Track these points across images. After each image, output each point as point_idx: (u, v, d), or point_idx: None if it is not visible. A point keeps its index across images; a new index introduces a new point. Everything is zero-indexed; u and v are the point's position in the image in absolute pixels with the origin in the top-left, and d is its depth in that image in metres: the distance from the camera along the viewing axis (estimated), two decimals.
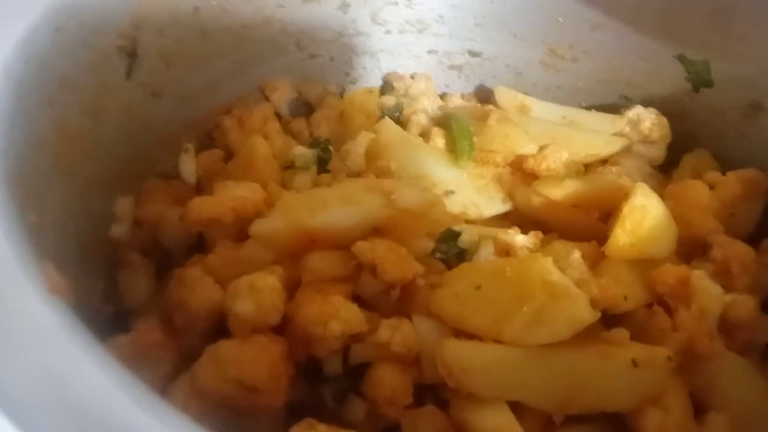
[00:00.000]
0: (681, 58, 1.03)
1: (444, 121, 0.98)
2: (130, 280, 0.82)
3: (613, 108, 1.09)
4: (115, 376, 0.41)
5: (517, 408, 0.69)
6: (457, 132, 0.94)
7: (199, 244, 0.84)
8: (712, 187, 0.92)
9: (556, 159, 0.92)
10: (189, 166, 0.93)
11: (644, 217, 0.79)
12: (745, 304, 0.79)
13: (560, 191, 0.88)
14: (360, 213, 0.76)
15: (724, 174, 0.95)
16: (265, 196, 0.81)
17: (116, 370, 0.42)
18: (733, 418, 0.75)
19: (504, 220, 0.92)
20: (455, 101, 1.14)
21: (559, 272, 0.72)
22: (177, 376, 0.72)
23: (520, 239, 0.79)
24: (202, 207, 0.77)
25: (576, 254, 0.76)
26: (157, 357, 0.73)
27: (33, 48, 0.62)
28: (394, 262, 0.73)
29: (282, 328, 0.73)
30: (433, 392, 0.72)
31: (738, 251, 0.83)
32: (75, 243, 0.71)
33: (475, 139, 0.94)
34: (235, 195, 0.78)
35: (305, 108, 1.10)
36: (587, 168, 1.00)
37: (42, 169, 0.61)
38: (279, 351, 0.69)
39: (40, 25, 0.63)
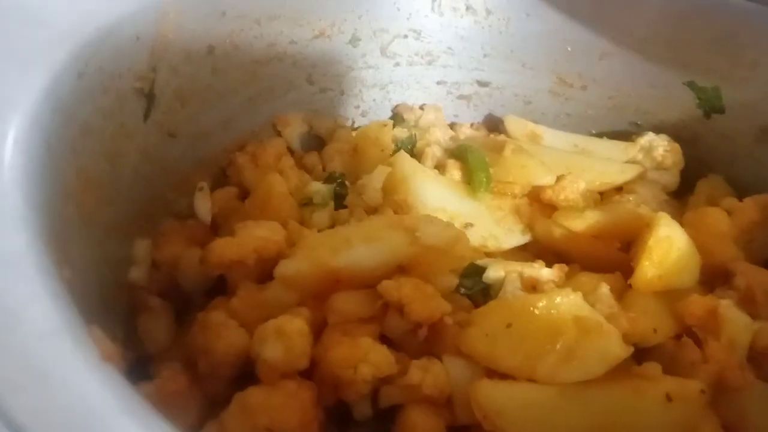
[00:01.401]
0: (691, 85, 1.03)
1: (459, 153, 0.98)
2: (150, 324, 0.80)
3: (624, 135, 1.09)
4: None
5: None
6: (473, 164, 0.93)
7: (218, 286, 0.82)
8: (729, 213, 0.92)
9: (574, 189, 0.92)
10: (204, 204, 0.92)
11: (670, 248, 0.79)
12: None
13: (581, 222, 0.87)
14: (384, 251, 0.75)
15: (739, 200, 0.95)
16: (286, 236, 0.80)
17: None
18: None
19: (523, 251, 0.92)
20: (465, 131, 1.14)
21: (590, 307, 0.72)
22: (203, 424, 0.70)
23: (545, 273, 0.79)
24: (224, 249, 0.76)
25: (604, 288, 0.75)
26: (183, 405, 0.71)
27: (58, 96, 0.61)
28: (422, 301, 0.72)
29: (309, 371, 0.71)
30: None
31: (761, 279, 0.83)
32: (97, 291, 0.69)
33: (491, 170, 0.93)
34: (256, 236, 0.77)
35: (316, 142, 1.09)
36: (603, 196, 1.00)
37: (67, 220, 0.60)
38: (309, 397, 0.68)
39: (63, 72, 0.62)
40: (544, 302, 0.70)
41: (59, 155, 0.59)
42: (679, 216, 0.91)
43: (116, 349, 0.44)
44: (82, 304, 0.50)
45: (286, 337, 0.68)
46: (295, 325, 0.69)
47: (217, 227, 0.93)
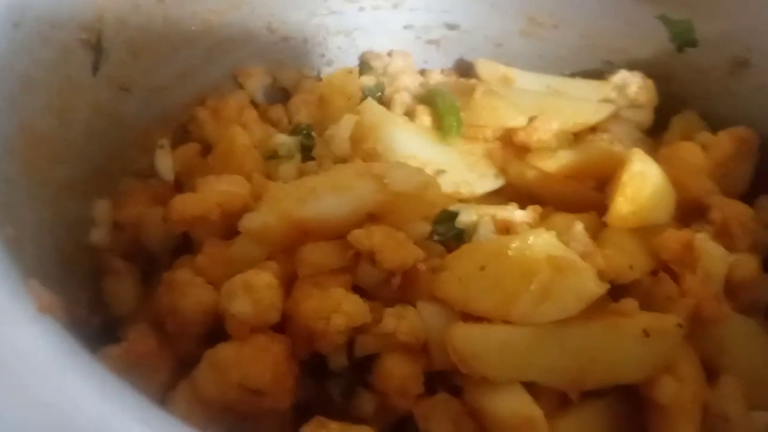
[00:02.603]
0: (663, 19, 1.01)
1: (428, 99, 0.95)
2: (116, 287, 0.78)
3: (597, 74, 1.07)
4: (120, 400, 0.37)
5: (531, 388, 0.67)
6: (443, 109, 0.91)
7: (184, 245, 0.80)
8: (704, 147, 0.91)
9: (547, 130, 0.90)
10: (165, 162, 0.89)
11: (644, 183, 0.77)
12: (747, 264, 0.78)
13: (554, 163, 0.86)
14: (353, 200, 0.73)
15: (714, 134, 0.94)
16: (251, 189, 0.78)
17: (121, 393, 0.38)
18: (743, 379, 0.74)
19: (497, 196, 0.90)
20: (435, 77, 1.10)
21: (563, 246, 0.70)
22: (175, 384, 0.69)
23: (519, 215, 0.77)
24: (186, 205, 0.73)
25: (578, 226, 0.74)
26: (153, 366, 0.70)
27: None
28: (393, 248, 0.70)
29: (282, 326, 0.69)
30: (444, 379, 0.70)
31: (736, 211, 0.82)
32: (54, 254, 0.66)
33: (462, 114, 0.91)
34: (219, 190, 0.74)
35: (281, 94, 1.05)
36: (576, 137, 0.97)
37: (12, 179, 0.57)
38: (281, 350, 0.66)
39: None
40: (517, 243, 0.69)
41: None
42: (653, 153, 0.90)
43: (56, 300, 0.41)
44: (29, 264, 0.48)
45: (253, 291, 0.66)
46: (263, 279, 0.66)
47: (181, 186, 0.90)
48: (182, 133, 0.94)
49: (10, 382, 0.35)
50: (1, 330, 0.37)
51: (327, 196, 0.72)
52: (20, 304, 0.39)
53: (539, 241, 0.69)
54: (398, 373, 0.67)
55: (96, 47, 0.75)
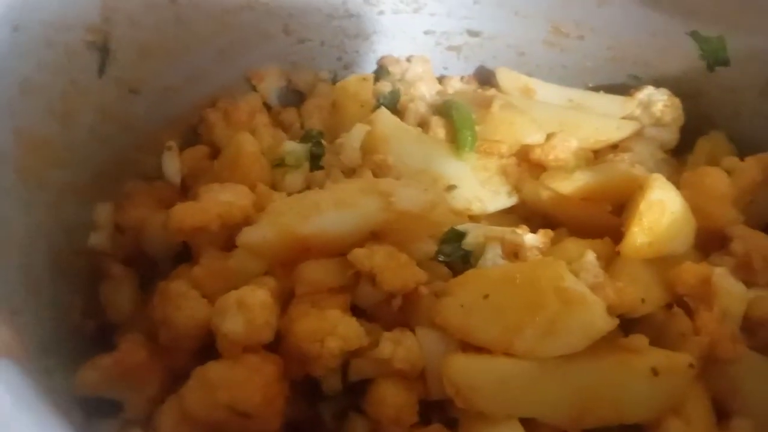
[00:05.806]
0: (694, 35, 0.96)
1: (444, 110, 0.92)
2: (113, 293, 0.77)
3: (622, 89, 1.03)
4: None
5: (529, 424, 0.65)
6: (458, 122, 0.88)
7: (186, 252, 0.78)
8: (729, 173, 0.87)
9: (565, 148, 0.86)
10: (173, 165, 0.88)
11: (662, 213, 0.74)
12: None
13: (570, 184, 0.82)
14: (356, 217, 0.71)
15: (741, 158, 0.89)
16: (254, 200, 0.76)
17: None
18: (757, 422, 0.70)
19: (509, 214, 0.87)
20: (454, 84, 1.07)
21: (573, 277, 0.67)
22: (164, 399, 0.68)
23: (529, 239, 0.74)
24: (186, 214, 0.71)
25: (590, 256, 0.71)
26: (142, 378, 0.69)
27: None
28: (395, 270, 0.68)
29: (275, 343, 0.68)
30: (440, 409, 0.67)
31: (759, 244, 0.78)
32: (47, 259, 0.65)
33: (477, 128, 0.88)
34: (221, 200, 0.73)
35: (295, 97, 1.04)
36: (596, 154, 0.94)
37: (5, 188, 0.55)
38: (273, 371, 0.64)
39: None
40: (525, 272, 0.66)
41: None
42: (677, 176, 0.86)
43: (16, 338, 0.39)
44: (14, 273, 0.46)
45: (247, 309, 0.64)
46: (258, 297, 0.65)
47: (188, 189, 0.88)
48: (191, 136, 0.93)
49: None
50: None
51: (329, 211, 0.70)
52: None
53: (548, 271, 0.66)
54: (392, 400, 0.65)
55: (102, 49, 0.73)
